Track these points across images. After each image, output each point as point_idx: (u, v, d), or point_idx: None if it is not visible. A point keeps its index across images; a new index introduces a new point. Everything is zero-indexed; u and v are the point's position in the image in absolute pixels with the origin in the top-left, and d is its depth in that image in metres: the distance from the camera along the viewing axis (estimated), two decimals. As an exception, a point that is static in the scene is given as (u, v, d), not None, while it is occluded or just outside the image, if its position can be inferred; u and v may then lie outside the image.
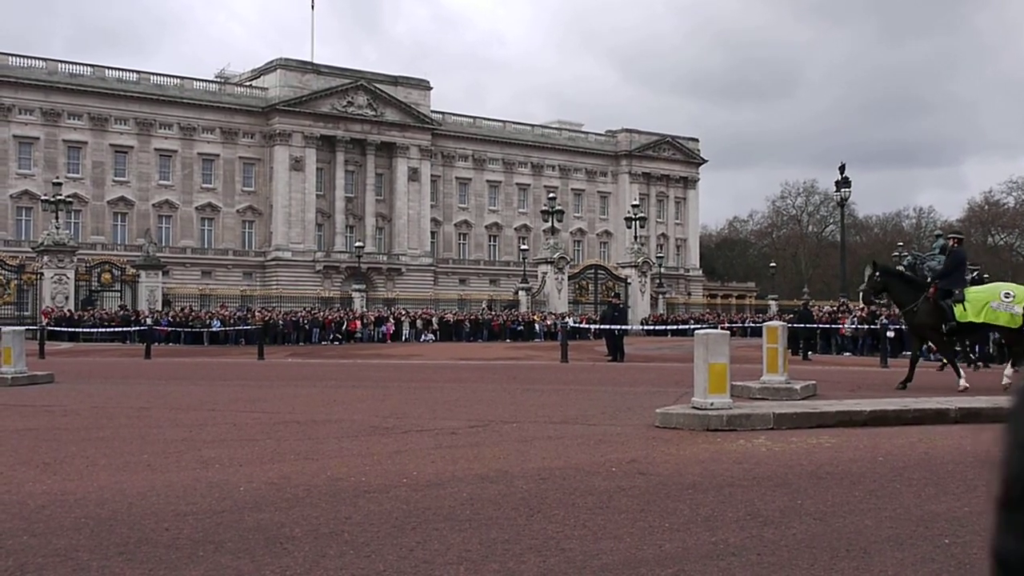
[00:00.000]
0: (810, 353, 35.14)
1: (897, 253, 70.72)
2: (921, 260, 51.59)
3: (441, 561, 5.72)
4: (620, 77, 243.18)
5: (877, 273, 19.06)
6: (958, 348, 21.86)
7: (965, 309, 17.26)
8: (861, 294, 23.36)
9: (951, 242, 19.90)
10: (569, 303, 66.26)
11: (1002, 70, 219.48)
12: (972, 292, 17.61)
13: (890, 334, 31.20)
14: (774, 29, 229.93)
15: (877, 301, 21.38)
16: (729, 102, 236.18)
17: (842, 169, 47.46)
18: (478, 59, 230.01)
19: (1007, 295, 17.01)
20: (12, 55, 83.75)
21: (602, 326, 35.64)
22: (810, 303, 53.52)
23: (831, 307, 47.42)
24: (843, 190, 47.88)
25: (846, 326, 39.74)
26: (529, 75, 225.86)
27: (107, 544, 6.14)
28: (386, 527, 6.59)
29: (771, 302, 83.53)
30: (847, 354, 38.51)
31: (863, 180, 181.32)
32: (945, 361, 20.45)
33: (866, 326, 37.69)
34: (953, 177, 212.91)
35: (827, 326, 39.73)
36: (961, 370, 17.58)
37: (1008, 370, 17.60)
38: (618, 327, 32.48)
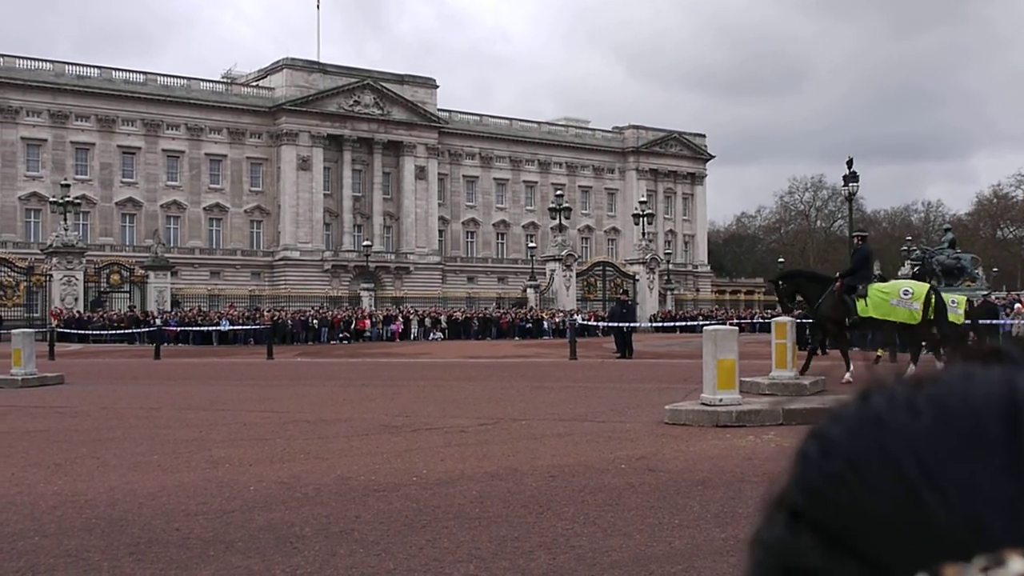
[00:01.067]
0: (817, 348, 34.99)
1: (906, 247, 70.70)
2: (930, 254, 51.57)
3: (451, 559, 5.72)
4: (626, 73, 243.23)
5: (781, 282, 20.34)
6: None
7: (867, 305, 17.88)
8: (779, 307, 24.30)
9: (856, 240, 20.69)
10: (577, 300, 66.24)
11: (1012, 62, 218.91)
12: (875, 289, 18.20)
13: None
14: (780, 23, 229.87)
15: (792, 306, 21.88)
16: (736, 97, 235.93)
17: (850, 163, 47.30)
18: (483, 56, 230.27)
19: (906, 292, 17.77)
20: (19, 57, 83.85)
21: (611, 323, 35.62)
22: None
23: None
24: (851, 184, 47.71)
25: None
26: (535, 72, 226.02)
27: (118, 544, 6.16)
28: (396, 525, 6.60)
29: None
30: (856, 349, 38.35)
31: (871, 174, 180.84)
32: (879, 353, 22.70)
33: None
34: (962, 170, 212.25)
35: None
36: (851, 365, 18.14)
37: (911, 368, 17.19)
38: (626, 324, 32.46)
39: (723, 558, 5.75)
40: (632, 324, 33.64)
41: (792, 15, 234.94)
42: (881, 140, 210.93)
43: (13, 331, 23.18)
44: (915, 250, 59.34)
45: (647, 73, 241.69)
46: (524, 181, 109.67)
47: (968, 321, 24.39)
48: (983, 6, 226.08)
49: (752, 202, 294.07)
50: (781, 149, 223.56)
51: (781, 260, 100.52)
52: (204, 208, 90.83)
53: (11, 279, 56.90)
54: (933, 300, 17.71)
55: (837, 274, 19.52)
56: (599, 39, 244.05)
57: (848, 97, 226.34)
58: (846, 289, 18.32)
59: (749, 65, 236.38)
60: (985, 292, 42.93)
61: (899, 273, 69.98)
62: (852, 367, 18.03)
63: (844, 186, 49.09)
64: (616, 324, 33.32)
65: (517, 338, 56.23)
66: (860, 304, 17.95)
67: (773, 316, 24.22)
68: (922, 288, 18.13)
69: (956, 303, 23.61)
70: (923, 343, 18.36)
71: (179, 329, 51.10)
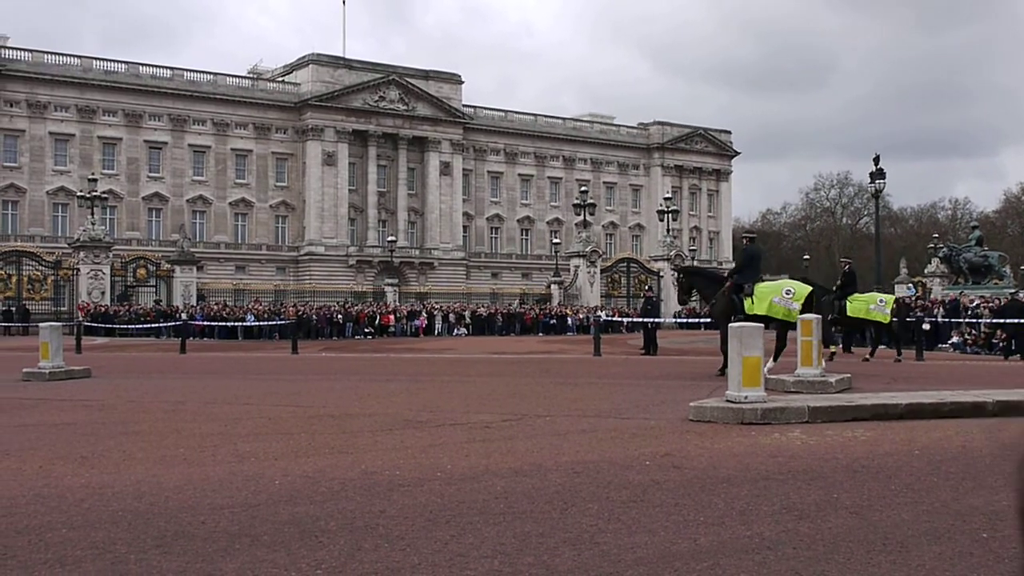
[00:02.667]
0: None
1: (932, 245, 70.20)
2: (957, 252, 51.29)
3: (476, 554, 5.73)
4: (651, 67, 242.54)
5: (681, 275, 21.73)
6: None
7: (753, 303, 19.05)
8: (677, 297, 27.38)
9: (744, 241, 21.55)
10: (601, 296, 66.18)
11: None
12: (760, 287, 19.35)
13: (925, 327, 30.94)
14: (806, 17, 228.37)
15: (688, 299, 23.51)
16: (762, 92, 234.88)
17: (876, 160, 47.04)
18: (508, 51, 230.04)
19: (788, 292, 19.00)
20: (48, 52, 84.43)
21: (637, 319, 35.66)
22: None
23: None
24: (877, 182, 47.43)
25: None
26: (559, 67, 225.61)
27: (144, 537, 6.19)
28: (420, 520, 6.61)
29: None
30: (881, 347, 38.16)
31: (898, 171, 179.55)
32: (871, 351, 25.59)
33: (899, 319, 37.38)
34: (991, 167, 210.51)
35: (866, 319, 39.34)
36: (767, 362, 18.60)
37: (770, 363, 18.32)
38: (651, 320, 32.44)
39: (748, 556, 5.72)
40: (656, 320, 33.59)
41: (818, 8, 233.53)
42: (909, 136, 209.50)
43: (41, 324, 23.35)
44: (942, 248, 58.97)
45: (672, 68, 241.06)
46: (549, 177, 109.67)
47: (895, 319, 26.10)
48: (1014, 1, 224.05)
49: (777, 199, 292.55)
50: (807, 145, 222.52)
51: (807, 257, 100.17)
52: (230, 203, 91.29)
53: (39, 273, 57.32)
54: (811, 302, 18.88)
55: (726, 273, 20.92)
56: (624, 34, 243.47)
57: (875, 93, 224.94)
58: (735, 288, 19.52)
59: (775, 59, 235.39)
60: (1012, 290, 42.61)
61: (925, 271, 69.66)
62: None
63: (871, 183, 48.82)
64: (641, 320, 33.27)
65: (541, 334, 56.22)
66: (747, 302, 19.08)
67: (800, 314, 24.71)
68: (804, 289, 19.20)
69: (884, 302, 25.65)
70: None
71: (205, 323, 51.34)
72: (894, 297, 26.33)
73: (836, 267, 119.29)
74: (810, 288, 19.50)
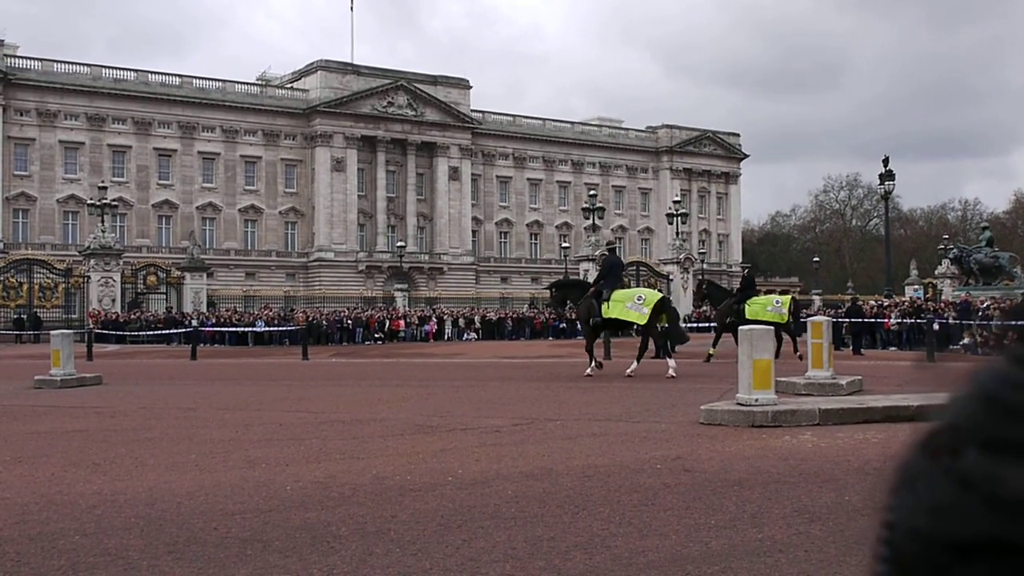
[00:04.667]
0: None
1: (943, 246, 69.98)
2: (967, 253, 51.10)
3: (487, 559, 5.73)
4: (661, 70, 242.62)
5: (554, 289, 23.91)
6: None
7: (609, 307, 20.74)
8: (552, 311, 31.00)
9: (605, 250, 23.52)
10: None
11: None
12: (616, 294, 21.02)
13: (936, 328, 30.87)
14: (817, 18, 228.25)
15: (563, 311, 24.95)
16: (771, 94, 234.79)
17: (886, 162, 46.93)
18: (516, 55, 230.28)
19: (639, 298, 20.90)
20: (57, 61, 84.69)
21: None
22: (857, 298, 53.05)
23: (875, 301, 46.89)
24: (887, 183, 47.32)
25: (891, 320, 39.36)
26: (568, 70, 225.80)
27: (157, 543, 6.21)
28: (432, 525, 6.62)
29: (815, 297, 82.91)
30: (892, 348, 38.15)
31: (908, 172, 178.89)
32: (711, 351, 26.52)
33: (912, 320, 37.37)
34: (1001, 167, 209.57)
35: (876, 320, 39.35)
36: (595, 362, 21.40)
37: (671, 362, 20.79)
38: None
39: (760, 559, 5.72)
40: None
41: (829, 9, 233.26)
42: (919, 137, 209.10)
43: (52, 332, 23.44)
44: (952, 249, 58.74)
45: (682, 70, 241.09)
46: (557, 181, 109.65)
47: (791, 319, 26.83)
48: None
49: (787, 201, 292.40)
50: (817, 147, 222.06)
51: (816, 259, 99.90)
52: (239, 209, 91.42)
53: (50, 280, 57.53)
54: (661, 308, 20.91)
55: (591, 281, 22.53)
56: (633, 36, 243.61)
57: (885, 93, 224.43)
58: (595, 294, 21.22)
59: (785, 61, 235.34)
60: (1023, 291, 42.49)
61: (936, 272, 69.49)
62: (594, 363, 21.29)
63: (880, 184, 48.69)
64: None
65: (551, 338, 56.17)
66: (604, 307, 20.79)
67: (809, 316, 25.19)
68: (653, 296, 21.29)
69: (780, 303, 26.84)
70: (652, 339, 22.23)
71: (215, 330, 51.45)
72: (790, 297, 27.59)
73: (846, 269, 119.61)
74: (660, 296, 21.77)
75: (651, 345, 24.47)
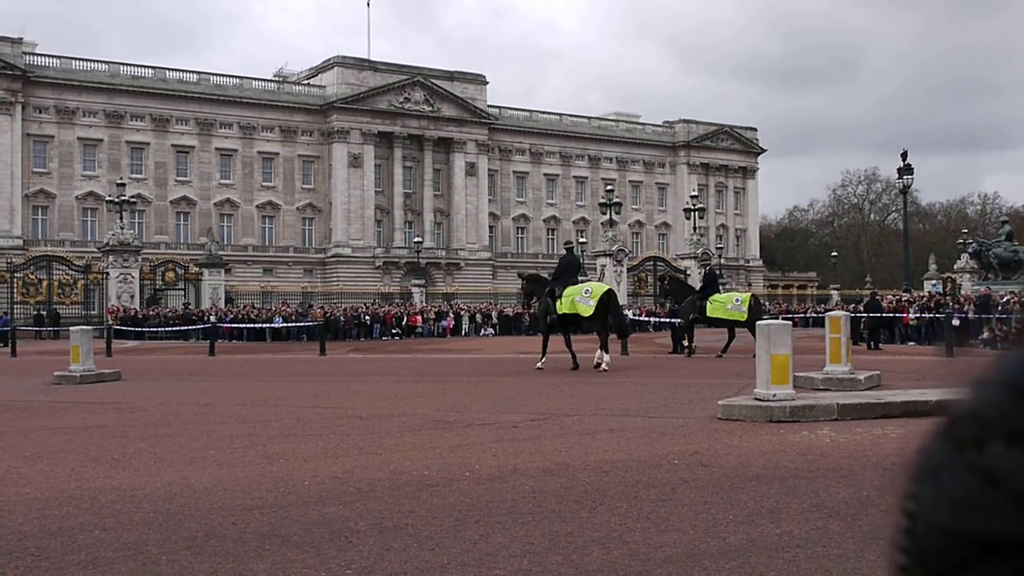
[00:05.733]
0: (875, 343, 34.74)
1: (962, 240, 69.64)
2: (987, 247, 50.88)
3: (505, 554, 5.73)
4: (678, 65, 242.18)
5: (524, 281, 24.89)
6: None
7: (562, 303, 21.64)
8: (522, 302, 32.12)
9: (564, 250, 24.83)
10: (628, 295, 66.00)
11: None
12: (568, 290, 21.83)
13: (955, 323, 30.73)
14: (835, 12, 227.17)
15: (530, 304, 25.95)
16: (789, 88, 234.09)
17: (904, 156, 46.74)
18: (533, 50, 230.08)
19: (587, 291, 21.70)
20: (75, 59, 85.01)
21: (665, 319, 36.01)
22: (876, 293, 52.89)
23: (894, 295, 46.69)
24: (905, 177, 47.12)
25: (910, 315, 39.18)
26: (584, 65, 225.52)
27: (176, 538, 6.23)
28: (449, 520, 6.62)
29: (833, 292, 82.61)
30: (911, 343, 37.99)
31: (927, 166, 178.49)
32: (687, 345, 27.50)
33: (931, 315, 37.19)
34: (1021, 161, 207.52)
35: (895, 315, 39.18)
36: (544, 356, 22.38)
37: (600, 355, 21.54)
38: (679, 319, 32.33)
39: (778, 554, 5.70)
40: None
41: (846, 3, 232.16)
42: (937, 131, 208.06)
43: (71, 328, 23.54)
44: (971, 243, 58.50)
45: (699, 65, 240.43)
46: (574, 176, 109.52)
47: (751, 317, 26.55)
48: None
49: (805, 196, 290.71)
50: (835, 141, 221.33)
51: (834, 254, 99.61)
52: (257, 206, 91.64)
53: (69, 277, 57.77)
54: (607, 300, 21.52)
55: (550, 278, 23.45)
56: (650, 31, 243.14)
57: (904, 87, 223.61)
58: (550, 292, 22.26)
59: (803, 56, 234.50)
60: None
61: (955, 267, 69.15)
62: (545, 357, 22.30)
63: (898, 179, 48.51)
64: (669, 320, 33.22)
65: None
66: (559, 303, 21.71)
67: (827, 311, 25.36)
68: (600, 288, 22.08)
69: (740, 301, 27.02)
70: (598, 331, 22.23)
71: (233, 326, 51.60)
72: (749, 295, 28.07)
73: (864, 264, 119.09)
74: (606, 287, 22.56)
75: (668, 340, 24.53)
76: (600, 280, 66.14)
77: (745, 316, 26.28)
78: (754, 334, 27.06)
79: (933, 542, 0.60)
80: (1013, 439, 0.59)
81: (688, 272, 67.39)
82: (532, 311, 28.07)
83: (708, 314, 27.15)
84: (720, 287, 30.59)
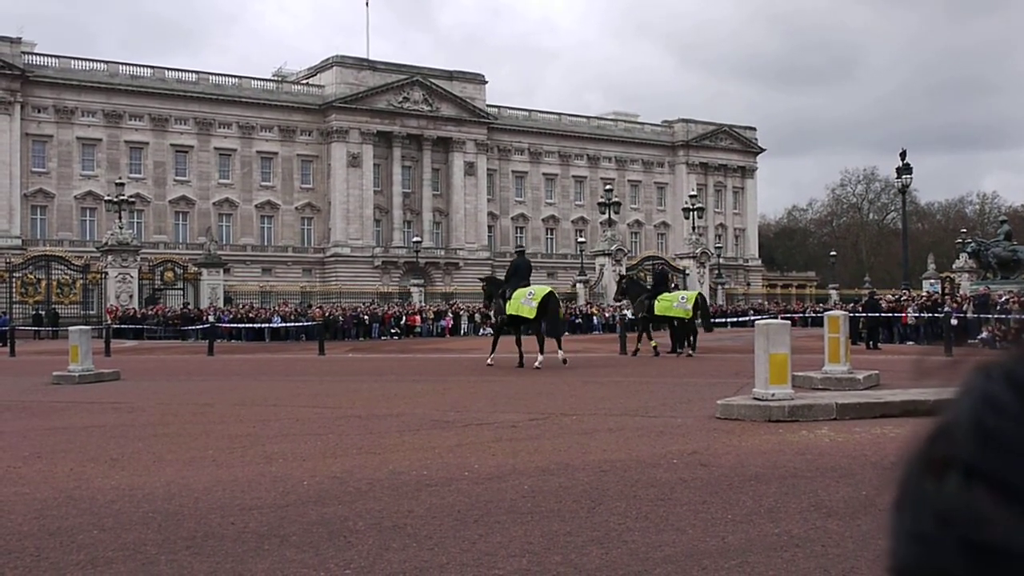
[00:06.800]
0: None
1: (960, 240, 69.66)
2: (985, 246, 50.84)
3: (504, 553, 5.74)
4: (676, 64, 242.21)
5: (483, 283, 26.58)
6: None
7: (510, 305, 22.86)
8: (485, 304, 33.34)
9: (515, 254, 26.37)
10: (628, 295, 65.97)
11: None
12: (516, 293, 22.98)
13: (953, 322, 30.74)
14: (833, 10, 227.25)
15: (490, 305, 26.52)
16: (788, 87, 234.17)
17: (903, 155, 46.74)
18: (531, 50, 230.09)
19: (530, 294, 22.65)
20: (74, 58, 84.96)
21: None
22: (875, 293, 52.89)
23: (893, 295, 46.70)
24: (904, 176, 47.13)
25: (909, 315, 39.21)
26: (583, 65, 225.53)
27: (175, 538, 6.23)
28: (448, 520, 6.62)
29: (832, 291, 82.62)
30: (910, 343, 38.01)
31: (925, 166, 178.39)
32: (653, 343, 27.87)
33: (929, 314, 37.21)
34: (1020, 160, 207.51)
35: (893, 315, 39.20)
36: (493, 353, 23.93)
37: (538, 356, 22.40)
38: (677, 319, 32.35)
39: (776, 553, 5.71)
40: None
41: (845, 2, 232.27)
42: (936, 130, 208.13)
43: (70, 328, 23.54)
44: (970, 243, 58.47)
45: (698, 64, 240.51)
46: (573, 176, 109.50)
47: (696, 314, 28.06)
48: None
49: (803, 195, 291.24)
50: (834, 141, 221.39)
51: (833, 253, 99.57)
52: (256, 205, 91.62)
53: (68, 277, 57.75)
54: (545, 304, 22.41)
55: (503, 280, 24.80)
56: (649, 30, 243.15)
57: (902, 86, 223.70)
58: (501, 295, 23.73)
59: (801, 55, 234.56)
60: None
61: (954, 266, 69.18)
62: (494, 353, 23.82)
63: (897, 178, 48.52)
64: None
65: (567, 333, 56.05)
66: (508, 305, 22.97)
67: (826, 310, 25.51)
68: (541, 291, 22.91)
69: (685, 298, 28.23)
70: (533, 331, 23.31)
71: (232, 326, 51.59)
72: (696, 293, 29.50)
73: (863, 263, 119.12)
74: (548, 289, 23.41)
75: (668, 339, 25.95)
76: (600, 280, 66.25)
77: (690, 313, 27.62)
78: (705, 329, 29.21)
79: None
80: (972, 473, 0.57)
81: (687, 272, 67.50)
82: (490, 311, 28.74)
83: (656, 312, 28.14)
84: (672, 287, 32.10)
